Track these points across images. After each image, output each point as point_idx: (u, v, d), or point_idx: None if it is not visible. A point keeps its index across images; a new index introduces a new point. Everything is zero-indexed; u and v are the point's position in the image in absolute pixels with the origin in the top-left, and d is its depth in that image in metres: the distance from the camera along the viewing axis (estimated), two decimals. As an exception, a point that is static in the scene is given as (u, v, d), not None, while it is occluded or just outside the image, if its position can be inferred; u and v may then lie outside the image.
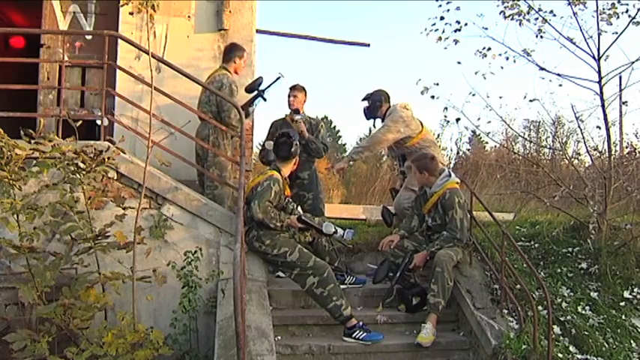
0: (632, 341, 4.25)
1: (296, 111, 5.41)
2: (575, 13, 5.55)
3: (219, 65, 5.46)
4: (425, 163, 4.76)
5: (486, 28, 5.80)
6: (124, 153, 4.15)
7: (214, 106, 4.97)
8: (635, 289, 4.72)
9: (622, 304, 4.58)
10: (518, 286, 4.39)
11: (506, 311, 4.32)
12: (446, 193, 4.60)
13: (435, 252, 4.48)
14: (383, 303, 4.54)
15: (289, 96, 5.53)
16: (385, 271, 4.67)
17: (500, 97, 9.34)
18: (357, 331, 4.12)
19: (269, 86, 5.19)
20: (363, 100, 5.54)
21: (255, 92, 5.15)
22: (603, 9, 5.54)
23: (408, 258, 4.59)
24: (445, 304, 4.34)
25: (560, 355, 3.94)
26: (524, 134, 10.61)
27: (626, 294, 4.67)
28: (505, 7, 5.88)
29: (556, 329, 4.20)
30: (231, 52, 5.21)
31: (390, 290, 4.57)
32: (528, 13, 5.81)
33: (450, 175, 4.73)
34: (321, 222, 4.52)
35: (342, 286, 4.60)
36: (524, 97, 6.11)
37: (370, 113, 5.52)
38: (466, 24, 5.91)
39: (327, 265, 4.27)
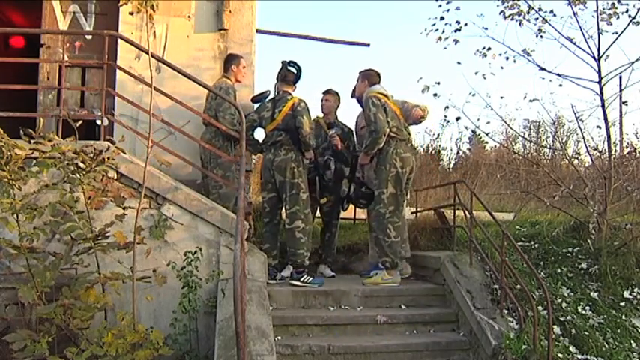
0: (632, 341, 4.25)
1: (331, 125, 5.60)
2: (575, 13, 5.57)
3: (219, 65, 5.51)
4: (369, 72, 5.30)
5: (486, 28, 5.82)
6: (124, 153, 4.14)
7: (213, 110, 5.08)
8: (635, 289, 4.72)
9: (622, 304, 4.58)
10: (518, 286, 4.39)
11: (506, 311, 4.32)
12: (365, 98, 5.08)
13: (366, 151, 5.01)
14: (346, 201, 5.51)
15: (321, 100, 5.73)
16: (331, 173, 5.37)
17: (502, 97, 9.37)
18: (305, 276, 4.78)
19: None
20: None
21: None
22: (603, 9, 5.56)
23: (354, 160, 5.37)
24: (395, 255, 4.93)
25: (560, 355, 3.94)
26: (524, 134, 10.67)
27: (626, 294, 4.68)
28: (505, 7, 5.89)
29: (556, 329, 4.20)
30: (227, 62, 5.38)
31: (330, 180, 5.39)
32: (528, 13, 5.82)
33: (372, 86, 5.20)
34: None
35: (271, 281, 4.76)
36: (524, 97, 6.17)
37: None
38: (466, 24, 5.93)
39: (311, 222, 5.06)
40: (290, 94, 5.04)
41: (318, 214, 5.72)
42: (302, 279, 4.76)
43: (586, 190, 5.49)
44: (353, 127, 5.81)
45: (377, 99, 4.98)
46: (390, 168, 4.95)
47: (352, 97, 5.53)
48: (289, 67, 5.06)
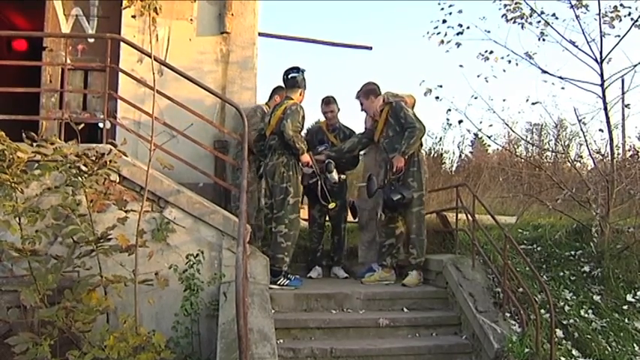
0: (634, 345, 4.23)
1: (321, 141, 5.66)
2: (577, 16, 5.56)
3: (221, 68, 5.60)
4: (369, 87, 5.28)
5: (489, 32, 5.82)
6: (126, 156, 4.15)
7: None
8: (638, 293, 4.70)
9: (625, 307, 4.56)
10: (520, 290, 4.38)
11: (508, 314, 4.30)
12: (392, 104, 5.11)
13: (405, 152, 4.91)
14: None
15: (325, 112, 5.71)
16: (374, 184, 5.22)
17: (504, 100, 9.34)
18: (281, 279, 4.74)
19: None
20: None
21: None
22: (606, 12, 5.54)
23: (388, 165, 5.11)
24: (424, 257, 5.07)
25: (562, 359, 3.92)
26: (527, 137, 10.63)
27: (629, 297, 4.65)
28: (507, 11, 5.88)
29: (559, 333, 4.18)
30: (273, 92, 5.66)
31: (377, 191, 5.20)
32: (531, 16, 5.82)
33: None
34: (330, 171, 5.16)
35: (273, 286, 4.65)
36: (527, 100, 6.14)
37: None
38: (468, 27, 5.93)
39: (298, 228, 4.91)
40: (290, 98, 5.01)
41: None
42: (279, 282, 4.74)
43: (589, 193, 5.47)
44: (362, 126, 5.78)
45: (405, 102, 5.13)
46: (423, 172, 5.10)
47: (367, 127, 5.53)
48: (291, 75, 5.06)
